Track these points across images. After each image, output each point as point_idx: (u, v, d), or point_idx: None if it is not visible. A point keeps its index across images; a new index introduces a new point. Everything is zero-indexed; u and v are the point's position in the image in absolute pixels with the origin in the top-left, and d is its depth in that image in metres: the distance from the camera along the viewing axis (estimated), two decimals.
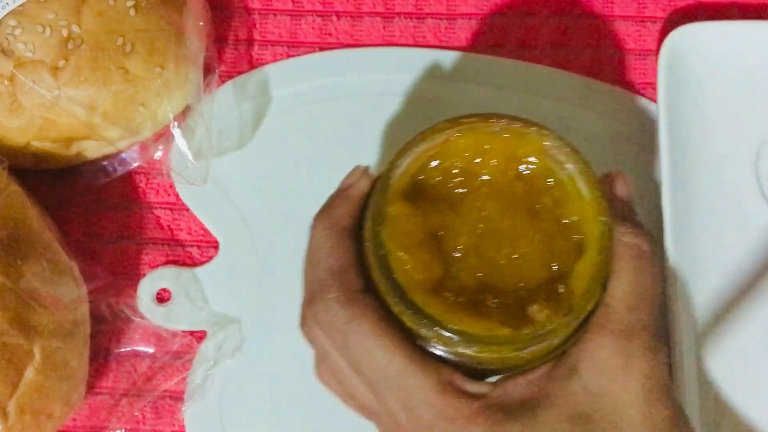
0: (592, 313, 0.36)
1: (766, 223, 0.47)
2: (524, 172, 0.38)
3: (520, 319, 0.35)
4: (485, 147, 0.37)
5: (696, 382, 0.44)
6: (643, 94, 0.51)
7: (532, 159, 0.37)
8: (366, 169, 0.39)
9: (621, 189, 0.39)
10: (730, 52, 0.49)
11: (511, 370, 0.37)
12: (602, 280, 0.36)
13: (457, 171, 0.38)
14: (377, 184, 0.37)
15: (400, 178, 0.37)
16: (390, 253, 0.36)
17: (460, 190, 0.38)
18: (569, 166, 0.37)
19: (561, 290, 0.36)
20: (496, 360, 0.36)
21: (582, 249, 0.36)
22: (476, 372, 0.37)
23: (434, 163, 0.37)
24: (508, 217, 0.37)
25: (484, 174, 0.38)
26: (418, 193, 0.37)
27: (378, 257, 0.36)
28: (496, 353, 0.35)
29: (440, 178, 0.38)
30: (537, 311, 0.35)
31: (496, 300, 0.36)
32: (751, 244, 0.47)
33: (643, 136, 0.49)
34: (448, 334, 0.34)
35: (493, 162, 0.37)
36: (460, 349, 0.35)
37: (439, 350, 0.36)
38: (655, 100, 0.49)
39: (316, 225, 0.38)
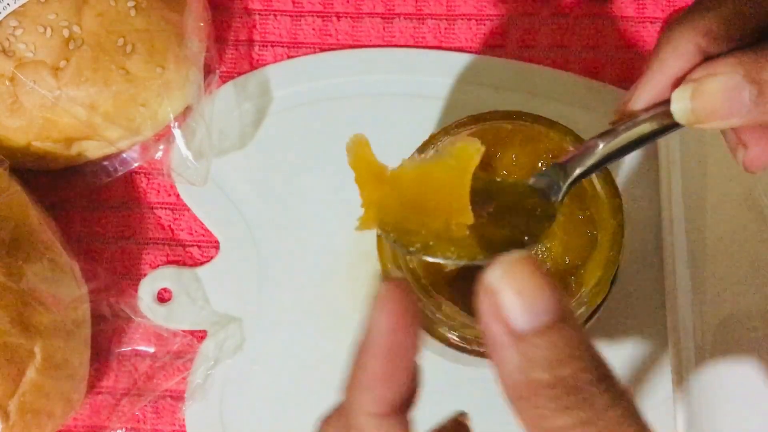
0: (601, 305, 0.36)
1: (765, 226, 0.47)
2: (543, 169, 0.38)
3: None
4: (506, 143, 0.38)
5: (698, 391, 0.44)
6: None
7: (552, 156, 0.38)
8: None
9: None
10: None
11: None
12: (612, 275, 0.36)
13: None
14: None
15: None
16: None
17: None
18: None
19: (572, 283, 0.36)
20: None
21: (594, 244, 0.37)
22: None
23: None
24: None
25: (504, 169, 0.38)
26: None
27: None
28: None
29: None
30: None
31: None
32: (751, 248, 0.47)
33: None
34: (461, 318, 0.35)
35: (513, 158, 0.38)
36: (468, 331, 0.36)
37: (451, 334, 0.36)
38: None
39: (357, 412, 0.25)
